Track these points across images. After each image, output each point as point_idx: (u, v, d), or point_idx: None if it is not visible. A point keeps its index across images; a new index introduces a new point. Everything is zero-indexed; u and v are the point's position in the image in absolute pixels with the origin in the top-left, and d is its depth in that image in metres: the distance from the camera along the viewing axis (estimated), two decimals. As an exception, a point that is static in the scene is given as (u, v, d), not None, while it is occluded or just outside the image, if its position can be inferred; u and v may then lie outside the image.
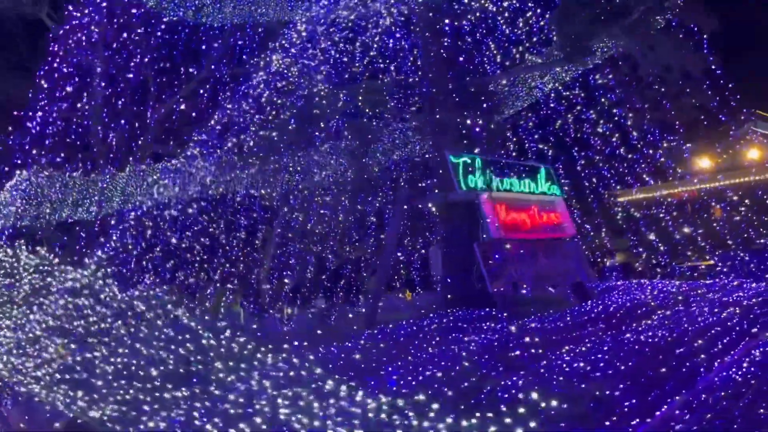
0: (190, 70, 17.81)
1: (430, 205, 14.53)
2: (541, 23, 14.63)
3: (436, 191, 13.66)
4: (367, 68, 16.76)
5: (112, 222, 13.66)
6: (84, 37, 13.74)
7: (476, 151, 13.98)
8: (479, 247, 12.02)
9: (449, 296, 13.34)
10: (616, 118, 17.74)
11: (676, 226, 19.36)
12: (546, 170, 14.70)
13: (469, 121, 14.02)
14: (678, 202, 26.09)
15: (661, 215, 21.18)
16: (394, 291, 19.24)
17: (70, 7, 13.62)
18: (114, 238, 12.62)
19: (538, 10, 14.67)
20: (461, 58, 15.02)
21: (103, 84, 15.91)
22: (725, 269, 18.20)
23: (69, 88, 13.80)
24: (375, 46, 16.42)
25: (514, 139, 18.93)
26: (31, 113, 12.95)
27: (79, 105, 15.28)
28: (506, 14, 15.60)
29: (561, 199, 14.76)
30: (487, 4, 15.50)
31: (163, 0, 15.30)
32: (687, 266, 20.22)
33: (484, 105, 14.56)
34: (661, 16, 12.04)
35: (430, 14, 14.45)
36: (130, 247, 13.07)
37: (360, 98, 16.09)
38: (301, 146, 18.62)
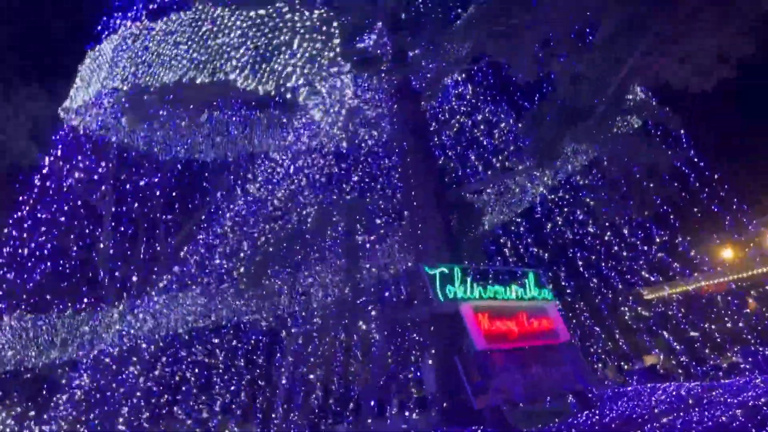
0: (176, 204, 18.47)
1: (417, 319, 14.26)
2: (515, 131, 15.07)
3: (420, 304, 13.46)
4: (351, 186, 17.24)
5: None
6: (69, 174, 14.35)
7: (465, 261, 13.89)
8: (460, 360, 11.51)
9: (444, 415, 12.68)
10: (613, 217, 17.71)
11: (703, 323, 18.73)
12: (534, 274, 14.38)
13: (450, 231, 14.12)
14: (700, 296, 25.24)
15: (682, 312, 20.46)
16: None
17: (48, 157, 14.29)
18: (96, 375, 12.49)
19: (511, 120, 15.18)
20: (440, 170, 15.39)
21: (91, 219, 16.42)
22: (748, 366, 17.22)
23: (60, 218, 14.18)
24: (357, 165, 16.99)
25: (507, 245, 18.90)
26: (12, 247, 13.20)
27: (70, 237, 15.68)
28: (482, 126, 16.17)
29: (553, 304, 14.29)
30: (462, 119, 16.13)
31: (155, 142, 16.24)
32: (710, 365, 19.16)
33: (465, 214, 14.69)
34: (622, 117, 12.23)
35: (407, 133, 14.97)
36: (112, 386, 12.89)
37: (347, 216, 16.36)
38: (294, 268, 18.73)
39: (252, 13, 10.14)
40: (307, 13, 10.49)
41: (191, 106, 13.59)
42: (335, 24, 10.97)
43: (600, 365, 22.60)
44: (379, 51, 14.14)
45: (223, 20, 10.08)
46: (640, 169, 15.91)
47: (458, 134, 16.31)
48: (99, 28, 11.20)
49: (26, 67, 21.96)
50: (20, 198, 13.56)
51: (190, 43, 10.03)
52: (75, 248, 16.80)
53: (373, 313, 16.23)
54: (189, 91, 12.65)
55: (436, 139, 16.56)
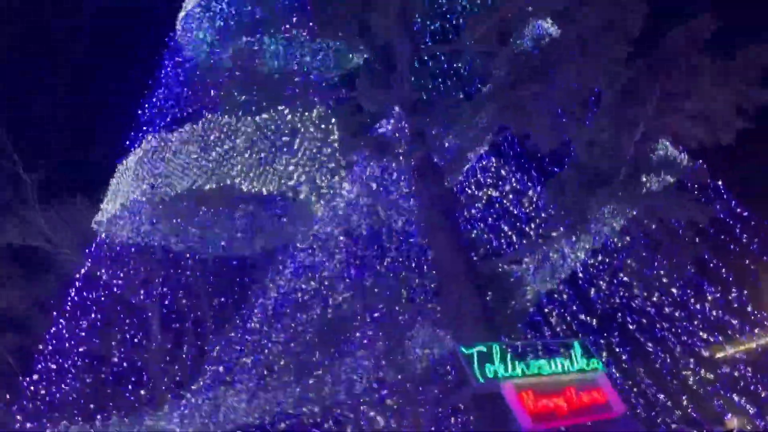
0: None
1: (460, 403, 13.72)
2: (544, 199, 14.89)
3: (462, 386, 12.96)
4: (384, 268, 17.16)
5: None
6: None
7: (504, 337, 13.45)
8: (504, 447, 10.90)
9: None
10: (660, 277, 17.02)
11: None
12: (580, 344, 13.74)
13: (486, 307, 13.77)
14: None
15: (749, 372, 19.15)
16: None
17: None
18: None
19: (539, 188, 15.06)
20: (470, 244, 15.23)
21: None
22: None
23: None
24: (388, 247, 16.98)
25: (552, 316, 18.27)
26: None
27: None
28: (511, 196, 16.08)
29: (603, 374, 13.54)
30: (489, 191, 16.10)
31: (193, 243, 16.68)
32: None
33: (500, 287, 14.36)
34: (651, 176, 11.93)
35: (432, 210, 14.97)
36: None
37: (383, 299, 16.20)
38: (335, 357, 18.47)
39: (257, 118, 10.62)
40: (306, 113, 10.91)
41: (223, 206, 14.00)
42: (333, 120, 11.35)
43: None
44: (397, 134, 14.43)
45: (229, 127, 10.59)
46: (680, 225, 15.43)
47: (487, 207, 16.23)
48: (128, 143, 11.94)
49: (75, 180, 23.30)
50: (64, 307, 13.98)
51: (199, 151, 10.52)
52: (119, 353, 17.07)
53: (419, 398, 15.70)
54: (217, 192, 13.08)
55: (465, 213, 16.50)
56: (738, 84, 9.03)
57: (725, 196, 15.96)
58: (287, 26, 15.04)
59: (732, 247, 16.43)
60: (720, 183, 15.92)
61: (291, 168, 10.15)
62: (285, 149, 10.33)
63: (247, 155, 10.33)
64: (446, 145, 15.73)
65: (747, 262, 16.55)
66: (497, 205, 15.98)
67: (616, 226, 15.62)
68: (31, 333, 19.79)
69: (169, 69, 13.18)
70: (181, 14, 14.52)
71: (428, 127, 13.94)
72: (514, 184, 15.82)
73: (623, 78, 9.53)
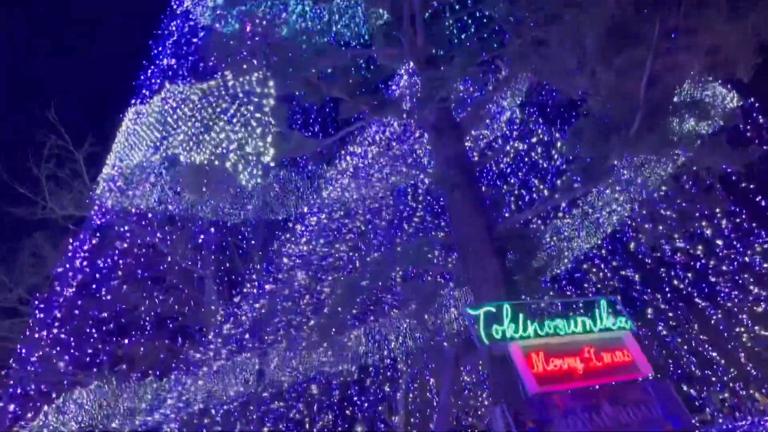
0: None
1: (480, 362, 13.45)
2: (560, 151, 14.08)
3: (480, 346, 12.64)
4: (408, 229, 16.92)
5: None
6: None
7: (523, 298, 13.00)
8: (509, 410, 10.55)
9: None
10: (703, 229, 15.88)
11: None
12: (606, 302, 13.05)
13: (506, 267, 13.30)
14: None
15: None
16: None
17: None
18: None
19: (556, 137, 14.23)
20: (491, 201, 14.69)
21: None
22: None
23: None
24: (410, 207, 16.68)
25: (589, 275, 17.51)
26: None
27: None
28: (532, 152, 15.30)
29: (629, 334, 12.84)
30: (510, 145, 15.37)
31: (217, 209, 17.00)
32: None
33: (521, 246, 13.80)
34: (670, 120, 10.95)
35: (450, 168, 14.49)
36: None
37: (408, 259, 16.02)
38: (366, 317, 18.56)
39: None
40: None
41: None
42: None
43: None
44: (408, 91, 13.93)
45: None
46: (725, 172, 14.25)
47: (507, 162, 15.55)
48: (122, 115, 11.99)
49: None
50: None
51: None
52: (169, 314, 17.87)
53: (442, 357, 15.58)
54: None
55: (489, 168, 15.91)
56: (755, 17, 7.98)
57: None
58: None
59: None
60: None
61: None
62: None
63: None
64: (464, 98, 15.11)
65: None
66: (518, 161, 15.26)
67: (652, 176, 14.61)
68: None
69: (173, 30, 13.09)
70: None
71: (444, 81, 13.33)
72: (537, 137, 15.01)
73: (609, 13, 8.64)
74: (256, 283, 15.12)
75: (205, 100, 10.23)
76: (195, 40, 13.16)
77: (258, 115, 10.14)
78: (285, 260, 15.45)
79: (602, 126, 11.29)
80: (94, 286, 14.02)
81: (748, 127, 14.61)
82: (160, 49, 12.49)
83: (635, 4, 8.69)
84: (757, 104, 14.98)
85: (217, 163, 9.92)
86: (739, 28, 7.99)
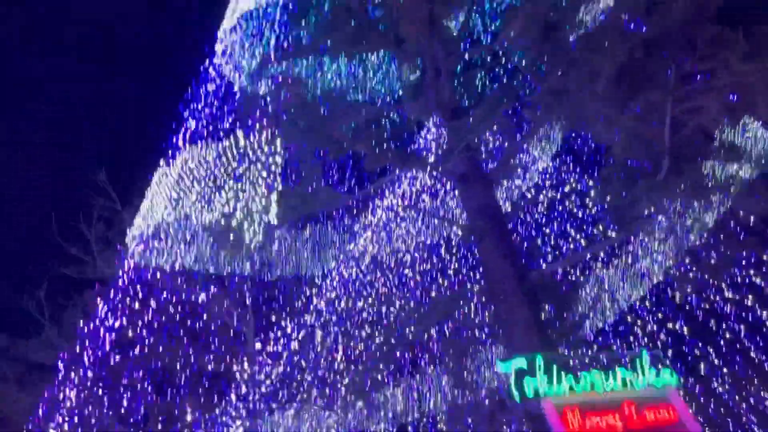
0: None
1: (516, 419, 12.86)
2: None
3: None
4: (442, 282, 16.69)
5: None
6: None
7: (559, 351, 12.53)
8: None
9: None
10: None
11: None
12: (649, 354, 12.39)
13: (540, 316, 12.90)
14: None
15: None
16: None
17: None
18: None
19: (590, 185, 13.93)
20: (522, 252, 14.40)
21: None
22: None
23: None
24: (443, 260, 16.51)
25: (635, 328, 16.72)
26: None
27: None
28: (565, 198, 15.02)
29: (674, 390, 12.09)
30: (543, 194, 15.18)
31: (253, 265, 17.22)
32: None
33: (554, 297, 13.41)
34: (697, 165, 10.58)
35: (480, 218, 14.35)
36: None
37: (442, 314, 15.79)
38: (405, 376, 18.17)
39: (219, 145, 10.75)
40: (257, 137, 10.87)
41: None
42: (278, 141, 11.19)
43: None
44: (434, 143, 14.04)
45: (199, 155, 10.79)
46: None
47: (541, 212, 15.29)
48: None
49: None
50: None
51: (174, 182, 10.83)
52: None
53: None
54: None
55: (523, 218, 15.70)
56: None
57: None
58: (324, 46, 15.16)
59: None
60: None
61: (230, 195, 10.16)
62: (233, 175, 10.39)
63: (202, 184, 10.51)
64: (491, 149, 15.11)
65: None
66: (552, 210, 15.00)
67: (695, 223, 14.05)
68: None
69: (203, 93, 13.68)
70: (220, 36, 15.00)
71: (466, 131, 13.40)
72: (570, 186, 14.77)
73: (621, 56, 8.53)
74: (286, 339, 15.09)
75: (218, 159, 10.57)
76: (223, 102, 13.71)
77: (265, 174, 10.39)
78: (318, 315, 15.43)
79: (629, 172, 11.03)
80: (124, 344, 14.25)
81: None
82: (188, 111, 13.08)
83: (647, 48, 8.59)
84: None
85: (223, 222, 10.16)
86: (757, 68, 7.75)
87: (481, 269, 15.53)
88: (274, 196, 10.30)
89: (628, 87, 8.85)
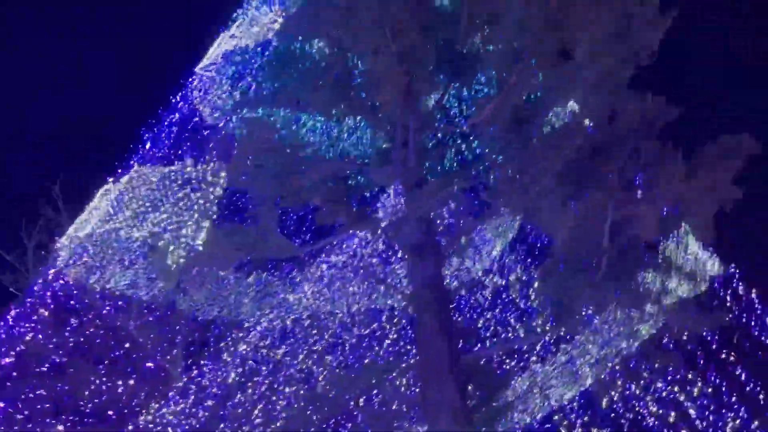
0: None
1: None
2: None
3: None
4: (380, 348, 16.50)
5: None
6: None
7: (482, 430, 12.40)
8: None
9: None
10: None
11: None
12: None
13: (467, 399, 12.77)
14: None
15: None
16: None
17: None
18: None
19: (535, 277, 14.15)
20: (461, 331, 14.39)
21: None
22: None
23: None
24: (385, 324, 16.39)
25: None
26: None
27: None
28: (510, 288, 15.23)
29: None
30: (486, 279, 15.35)
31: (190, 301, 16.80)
32: None
33: (483, 381, 13.35)
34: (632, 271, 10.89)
35: (425, 290, 14.36)
36: None
37: (371, 381, 15.53)
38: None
39: (166, 169, 10.82)
40: (204, 167, 10.97)
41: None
42: (223, 175, 11.31)
43: None
44: (391, 210, 14.22)
45: (145, 177, 10.83)
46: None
47: (485, 295, 15.43)
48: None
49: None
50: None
51: (114, 201, 10.79)
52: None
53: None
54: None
55: (467, 298, 15.79)
56: (710, 179, 8.20)
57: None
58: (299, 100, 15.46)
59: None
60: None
61: (164, 216, 10.14)
62: (171, 200, 10.39)
63: (138, 203, 10.46)
64: (448, 225, 15.33)
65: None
66: (496, 296, 15.16)
67: (632, 333, 14.28)
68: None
69: (169, 121, 13.68)
70: (197, 70, 15.17)
71: (424, 203, 13.60)
72: (516, 276, 15.01)
73: (571, 155, 8.96)
74: (210, 384, 14.57)
75: (161, 182, 10.55)
76: (188, 133, 13.74)
77: (202, 201, 10.39)
78: (244, 364, 15.02)
79: (570, 269, 11.28)
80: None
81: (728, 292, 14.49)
82: (149, 135, 13.07)
83: (596, 151, 9.01)
84: (738, 272, 14.91)
85: (150, 241, 10.02)
86: (696, 188, 8.17)
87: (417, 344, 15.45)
88: (206, 224, 10.22)
89: (575, 186, 9.19)
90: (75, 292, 13.34)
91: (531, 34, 12.82)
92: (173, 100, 13.90)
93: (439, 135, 16.35)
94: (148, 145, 12.09)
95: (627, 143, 8.73)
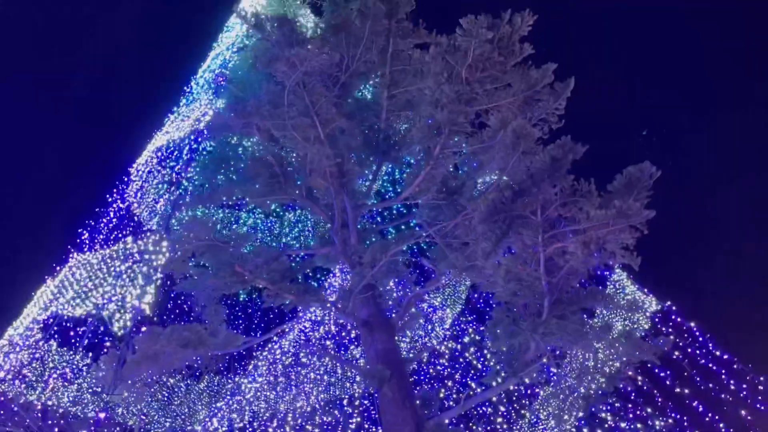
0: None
1: None
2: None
3: None
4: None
5: None
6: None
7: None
8: None
9: None
10: None
11: None
12: None
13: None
14: None
15: None
16: None
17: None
18: None
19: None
20: (420, 400, 14.31)
21: None
22: None
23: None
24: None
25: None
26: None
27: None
28: (463, 350, 15.46)
29: None
30: (439, 345, 15.55)
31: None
32: None
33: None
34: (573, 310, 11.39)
35: (380, 364, 14.35)
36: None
37: None
38: None
39: (107, 251, 10.91)
40: (143, 242, 11.15)
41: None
42: (164, 244, 11.51)
43: None
44: (341, 288, 14.44)
45: (84, 261, 10.86)
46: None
47: (441, 361, 15.55)
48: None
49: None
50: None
51: (54, 288, 10.72)
52: None
53: None
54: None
55: (425, 365, 15.84)
56: (624, 205, 8.96)
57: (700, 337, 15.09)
58: (237, 196, 15.83)
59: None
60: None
61: (108, 289, 10.13)
62: (113, 275, 10.43)
63: (81, 283, 10.41)
64: (396, 298, 15.61)
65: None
66: (451, 359, 15.31)
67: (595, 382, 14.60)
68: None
69: (105, 223, 13.66)
70: (135, 164, 15.35)
71: (366, 272, 13.88)
72: (469, 338, 15.29)
73: (490, 198, 9.63)
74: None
75: (102, 263, 10.52)
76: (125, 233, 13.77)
77: (146, 269, 10.39)
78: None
79: (515, 315, 11.68)
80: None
81: (669, 327, 15.18)
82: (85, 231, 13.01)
83: (515, 192, 9.69)
84: (674, 307, 15.72)
85: (94, 312, 9.84)
86: (609, 215, 8.88)
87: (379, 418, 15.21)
88: (151, 289, 10.14)
89: (503, 228, 9.77)
90: (15, 409, 12.55)
91: (446, 110, 13.83)
92: (109, 199, 13.98)
93: (376, 212, 17.02)
94: (85, 236, 12.02)
95: (544, 183, 9.46)
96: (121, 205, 13.65)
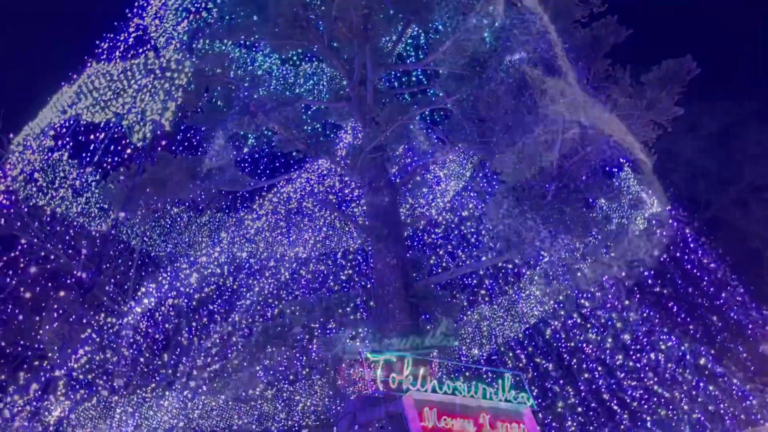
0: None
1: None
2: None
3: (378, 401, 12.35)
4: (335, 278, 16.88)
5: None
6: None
7: (433, 354, 12.98)
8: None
9: None
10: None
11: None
12: (512, 376, 13.05)
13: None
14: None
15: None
16: None
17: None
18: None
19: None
20: (413, 261, 14.90)
21: None
22: None
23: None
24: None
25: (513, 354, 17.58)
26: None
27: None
28: (461, 216, 15.83)
29: (529, 410, 12.74)
30: (431, 211, 15.89)
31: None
32: None
33: (435, 307, 13.93)
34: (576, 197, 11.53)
35: (380, 223, 14.74)
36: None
37: (325, 310, 15.88)
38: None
39: (127, 63, 10.81)
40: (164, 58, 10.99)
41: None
42: (187, 63, 11.36)
43: None
44: (350, 144, 14.44)
45: (103, 70, 10.77)
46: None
47: (437, 231, 15.97)
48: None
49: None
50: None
51: (73, 94, 10.70)
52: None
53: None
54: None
55: (421, 231, 16.30)
56: (655, 98, 8.79)
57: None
58: (256, 36, 15.30)
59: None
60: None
61: (128, 100, 10.20)
62: (134, 87, 10.44)
63: (101, 91, 10.44)
64: (403, 163, 15.69)
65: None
66: (448, 230, 15.72)
67: (580, 272, 15.08)
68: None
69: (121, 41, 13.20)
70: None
71: (379, 132, 13.82)
72: (468, 212, 15.57)
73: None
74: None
75: (123, 74, 10.48)
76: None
77: (167, 86, 10.39)
78: (193, 287, 15.11)
79: (519, 197, 11.81)
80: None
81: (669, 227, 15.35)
82: (104, 47, 12.67)
83: (547, 69, 9.45)
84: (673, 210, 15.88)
85: (114, 120, 9.99)
86: (637, 106, 8.74)
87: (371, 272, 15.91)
88: (172, 106, 10.21)
89: (528, 104, 9.64)
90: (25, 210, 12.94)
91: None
92: (128, 14, 13.43)
93: (394, 76, 16.63)
94: (105, 46, 11.76)
95: (579, 63, 9.21)
96: (139, 22, 13.15)
